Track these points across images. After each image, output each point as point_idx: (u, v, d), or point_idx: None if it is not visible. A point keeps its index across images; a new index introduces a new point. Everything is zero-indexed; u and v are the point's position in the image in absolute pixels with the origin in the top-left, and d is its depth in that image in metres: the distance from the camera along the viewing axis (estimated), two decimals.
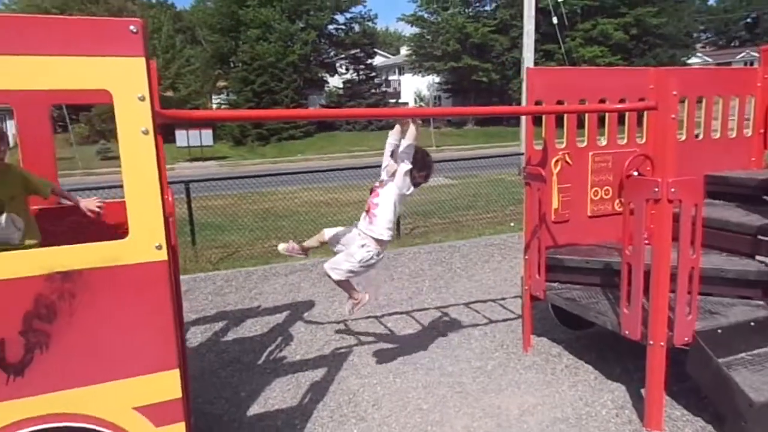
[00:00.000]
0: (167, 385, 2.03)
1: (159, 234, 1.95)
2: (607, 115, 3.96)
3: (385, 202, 3.19)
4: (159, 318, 1.99)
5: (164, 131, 2.18)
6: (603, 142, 4.05)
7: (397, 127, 3.24)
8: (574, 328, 4.25)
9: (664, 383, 2.91)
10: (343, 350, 4.17)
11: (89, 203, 2.98)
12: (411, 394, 3.50)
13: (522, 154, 13.87)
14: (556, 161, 3.84)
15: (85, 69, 1.79)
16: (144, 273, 1.95)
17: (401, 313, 4.89)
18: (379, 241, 3.23)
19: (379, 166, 3.40)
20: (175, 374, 2.03)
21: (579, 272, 3.71)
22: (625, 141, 4.07)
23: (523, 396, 3.43)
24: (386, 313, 4.90)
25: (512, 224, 8.74)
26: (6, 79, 1.76)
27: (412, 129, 3.09)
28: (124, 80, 1.83)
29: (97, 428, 1.95)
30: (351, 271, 3.27)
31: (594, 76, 4.04)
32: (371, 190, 3.31)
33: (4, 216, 2.60)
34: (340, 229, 3.45)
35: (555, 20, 13.82)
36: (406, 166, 3.12)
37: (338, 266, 3.25)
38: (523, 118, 14.94)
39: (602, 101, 3.85)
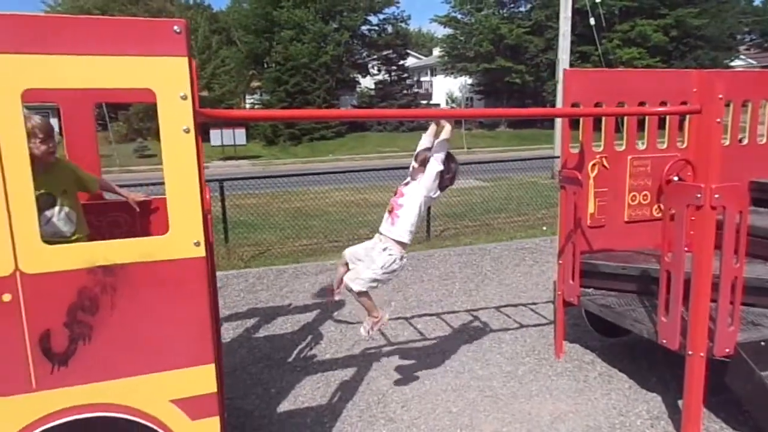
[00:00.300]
0: (203, 379, 2.06)
1: (198, 231, 1.99)
2: (647, 118, 3.87)
3: (411, 202, 2.98)
4: (196, 313, 2.03)
5: (200, 130, 2.21)
6: (641, 145, 3.96)
7: (432, 128, 3.09)
8: (607, 335, 4.16)
9: (702, 395, 2.83)
10: (372, 351, 4.18)
11: (136, 196, 3.15)
12: (440, 396, 3.49)
13: (556, 157, 13.66)
14: (593, 165, 3.77)
15: (130, 68, 1.84)
16: (182, 268, 1.99)
17: (431, 315, 4.87)
18: (401, 244, 3.01)
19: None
20: (211, 369, 2.07)
21: (615, 278, 3.63)
22: (666, 145, 3.97)
23: (555, 403, 3.38)
24: (416, 314, 4.89)
25: (544, 228, 8.63)
26: (56, 77, 1.81)
27: (447, 127, 2.94)
28: (168, 79, 1.87)
29: (135, 419, 2.00)
30: (374, 280, 3.00)
31: (633, 78, 3.94)
32: (396, 192, 3.12)
33: (56, 209, 2.68)
34: (358, 245, 3.23)
35: (592, 21, 13.54)
36: (438, 166, 2.93)
37: (359, 276, 3.01)
38: (558, 120, 14.74)
39: (641, 104, 3.76)
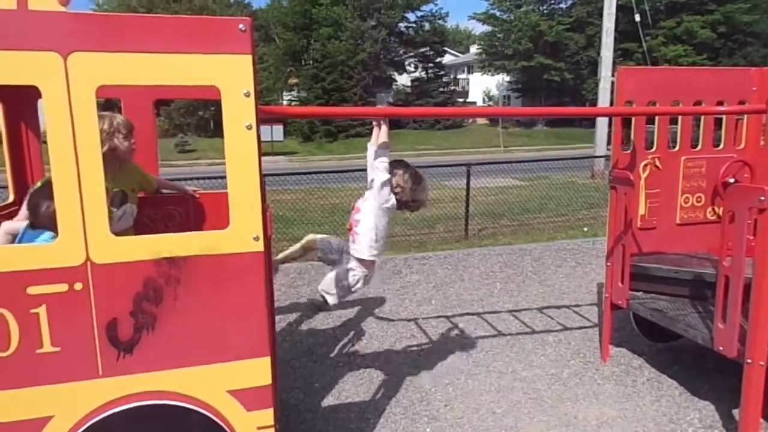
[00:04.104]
0: (259, 371, 2.11)
1: (257, 225, 2.03)
2: (702, 118, 3.76)
3: (366, 218, 2.86)
4: (254, 307, 2.07)
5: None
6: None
7: (375, 134, 2.87)
8: (655, 339, 4.06)
9: (762, 405, 2.73)
10: (413, 348, 4.18)
11: (189, 190, 3.33)
12: (483, 397, 3.47)
13: (596, 156, 13.39)
14: (645, 165, 3.68)
15: (198, 65, 1.88)
16: (242, 262, 2.03)
17: (472, 314, 4.85)
18: (361, 261, 2.92)
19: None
20: (267, 361, 2.11)
21: (666, 282, 3.54)
22: (722, 146, 3.84)
23: (602, 407, 3.32)
24: (457, 313, 4.87)
25: (585, 229, 8.46)
26: (128, 74, 1.87)
27: (376, 132, 2.77)
28: (232, 77, 1.91)
29: (194, 408, 2.05)
30: (343, 297, 3.06)
31: (689, 76, 3.82)
32: (353, 207, 3.00)
33: (128, 205, 2.78)
34: (329, 238, 3.18)
35: (637, 18, 13.19)
36: (383, 176, 2.76)
37: (331, 291, 2.99)
38: (600, 119, 14.41)
39: (698, 103, 3.65)
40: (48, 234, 2.22)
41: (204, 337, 2.06)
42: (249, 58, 1.92)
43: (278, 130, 26.75)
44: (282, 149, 28.20)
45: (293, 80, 38.42)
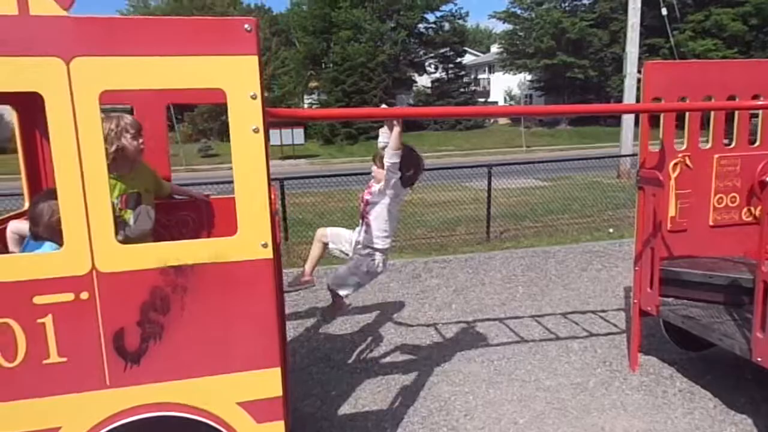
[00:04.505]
0: (269, 382, 2.04)
1: (265, 232, 1.96)
2: (736, 113, 3.58)
3: (379, 210, 3.02)
4: (263, 316, 2.00)
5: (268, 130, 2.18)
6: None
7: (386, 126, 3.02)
8: (687, 348, 3.88)
9: None
10: (433, 355, 4.07)
11: (202, 195, 3.30)
12: (505, 406, 3.35)
13: (621, 156, 13.08)
14: (675, 164, 3.52)
15: (202, 68, 1.82)
16: (250, 270, 1.96)
17: (493, 319, 4.72)
18: (378, 250, 3.08)
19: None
20: (277, 372, 2.03)
21: (699, 288, 3.37)
22: (758, 143, 3.65)
23: (630, 419, 3.17)
24: (478, 318, 4.74)
25: (611, 230, 8.24)
26: (131, 79, 1.82)
27: (395, 131, 2.82)
28: (238, 79, 1.85)
29: (203, 420, 1.99)
30: (359, 284, 3.22)
31: (721, 69, 3.64)
32: (362, 198, 3.14)
33: (141, 207, 2.75)
34: (339, 229, 3.29)
35: (664, 11, 12.84)
36: (395, 175, 2.90)
37: (345, 282, 3.17)
38: (625, 117, 14.09)
39: (731, 98, 3.48)
40: (48, 245, 2.19)
41: (212, 347, 1.99)
42: (255, 59, 1.85)
43: (299, 133, 26.81)
44: (303, 152, 28.31)
45: (314, 83, 38.56)
